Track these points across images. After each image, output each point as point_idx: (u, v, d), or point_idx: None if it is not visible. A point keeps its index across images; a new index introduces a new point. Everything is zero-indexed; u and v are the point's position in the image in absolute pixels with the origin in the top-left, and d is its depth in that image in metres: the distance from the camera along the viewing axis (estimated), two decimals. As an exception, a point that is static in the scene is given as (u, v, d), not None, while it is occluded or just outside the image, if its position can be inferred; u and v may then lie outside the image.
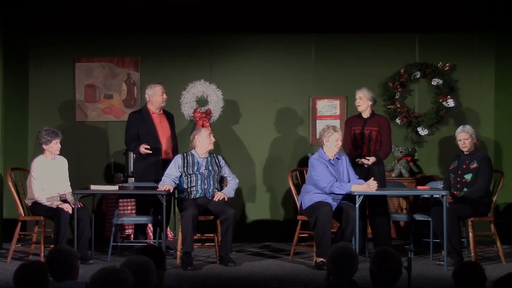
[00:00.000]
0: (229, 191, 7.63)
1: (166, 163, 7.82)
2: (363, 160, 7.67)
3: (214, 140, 7.72)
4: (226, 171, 7.77)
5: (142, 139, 7.98)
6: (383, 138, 7.76)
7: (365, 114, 7.84)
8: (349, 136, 7.86)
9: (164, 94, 8.05)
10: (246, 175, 9.02)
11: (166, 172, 7.56)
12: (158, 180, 7.59)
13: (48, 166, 7.54)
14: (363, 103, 7.79)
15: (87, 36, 9.10)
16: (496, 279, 3.88)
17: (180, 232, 7.24)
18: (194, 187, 7.54)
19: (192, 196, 7.54)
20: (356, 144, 7.81)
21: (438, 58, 9.04)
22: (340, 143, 7.45)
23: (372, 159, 7.66)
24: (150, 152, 7.86)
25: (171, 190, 7.48)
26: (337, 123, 8.99)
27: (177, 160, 7.61)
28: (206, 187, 7.56)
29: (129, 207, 8.47)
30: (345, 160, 7.54)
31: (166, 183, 7.40)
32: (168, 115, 8.21)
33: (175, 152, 8.07)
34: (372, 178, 7.33)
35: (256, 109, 9.13)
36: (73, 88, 9.10)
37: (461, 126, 7.63)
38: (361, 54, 9.13)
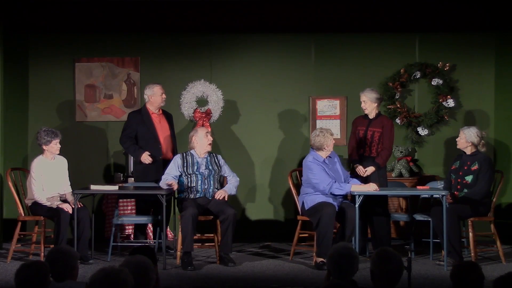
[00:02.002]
0: (230, 188, 7.62)
1: (165, 163, 7.82)
2: (359, 169, 7.68)
3: (211, 139, 7.70)
4: (226, 170, 7.76)
5: (142, 139, 7.98)
6: (384, 141, 7.76)
7: (371, 115, 7.84)
8: (354, 136, 7.87)
9: (163, 94, 8.05)
10: (246, 175, 9.01)
11: (166, 171, 7.56)
12: (158, 180, 7.59)
13: (48, 166, 7.54)
14: (368, 106, 7.80)
15: (87, 36, 9.10)
16: (495, 278, 3.88)
17: (180, 232, 7.24)
18: (194, 187, 7.54)
19: (192, 196, 7.53)
20: (359, 145, 7.82)
21: (438, 58, 9.03)
22: (333, 142, 7.48)
23: (369, 170, 7.65)
24: (151, 161, 7.87)
25: (175, 187, 7.45)
26: (337, 123, 9.00)
27: (177, 160, 7.61)
28: (206, 187, 7.56)
29: (129, 207, 8.47)
30: (337, 159, 7.58)
31: (169, 180, 7.40)
32: (167, 115, 8.20)
33: (174, 152, 8.07)
34: (370, 184, 7.37)
35: (256, 109, 9.13)
36: (73, 88, 9.10)
37: (467, 126, 7.62)
38: (361, 54, 9.13)
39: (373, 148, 7.78)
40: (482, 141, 7.52)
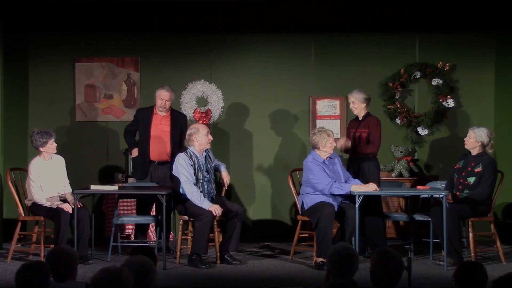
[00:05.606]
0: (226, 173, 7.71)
1: (153, 164, 7.93)
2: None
3: (211, 138, 7.60)
4: (215, 161, 7.73)
5: (139, 137, 8.10)
6: (370, 138, 7.73)
7: (360, 116, 7.85)
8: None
9: (162, 100, 7.93)
10: (246, 175, 9.02)
11: (188, 179, 7.33)
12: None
13: (46, 166, 7.51)
14: (357, 106, 7.81)
15: (87, 36, 9.10)
16: (495, 279, 3.87)
17: (194, 233, 7.24)
18: (201, 193, 7.38)
19: None
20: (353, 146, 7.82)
21: (438, 58, 9.04)
22: (334, 144, 7.45)
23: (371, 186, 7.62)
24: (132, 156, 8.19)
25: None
26: (337, 123, 9.01)
27: (187, 164, 7.36)
28: (210, 189, 7.50)
29: (130, 207, 8.46)
30: (338, 160, 7.56)
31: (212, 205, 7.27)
32: (175, 117, 8.08)
33: (174, 155, 7.95)
34: (370, 184, 7.37)
35: (256, 109, 9.13)
36: (73, 88, 9.10)
37: (476, 126, 7.59)
38: (361, 54, 9.13)
39: (361, 148, 7.76)
40: (491, 141, 7.50)
